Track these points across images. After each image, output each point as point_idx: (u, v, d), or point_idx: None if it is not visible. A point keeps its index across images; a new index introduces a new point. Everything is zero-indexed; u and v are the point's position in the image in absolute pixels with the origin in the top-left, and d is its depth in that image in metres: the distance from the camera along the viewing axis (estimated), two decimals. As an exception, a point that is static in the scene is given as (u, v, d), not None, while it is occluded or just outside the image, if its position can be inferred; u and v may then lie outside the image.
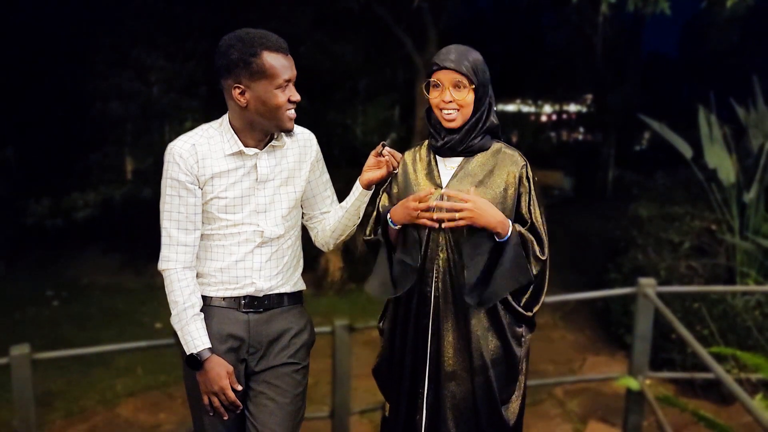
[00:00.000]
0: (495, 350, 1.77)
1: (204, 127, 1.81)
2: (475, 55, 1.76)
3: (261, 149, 1.79)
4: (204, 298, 1.80)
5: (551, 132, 17.88)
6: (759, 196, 5.35)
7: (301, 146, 1.88)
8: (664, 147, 6.76)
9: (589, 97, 16.43)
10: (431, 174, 1.81)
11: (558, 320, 6.26)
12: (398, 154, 1.88)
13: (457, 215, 1.66)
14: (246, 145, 1.77)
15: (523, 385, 1.85)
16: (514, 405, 1.82)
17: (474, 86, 1.73)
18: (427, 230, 1.76)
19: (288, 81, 1.71)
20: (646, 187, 7.05)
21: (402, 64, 9.74)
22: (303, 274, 1.97)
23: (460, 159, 1.80)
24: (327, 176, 1.98)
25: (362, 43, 9.08)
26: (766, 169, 5.32)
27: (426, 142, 1.90)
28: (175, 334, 1.79)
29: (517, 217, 1.78)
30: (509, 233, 1.69)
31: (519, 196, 1.77)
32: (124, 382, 4.96)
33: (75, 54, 8.51)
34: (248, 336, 1.81)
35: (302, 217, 1.97)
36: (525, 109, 17.84)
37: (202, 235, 1.80)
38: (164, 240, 1.78)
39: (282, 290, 1.87)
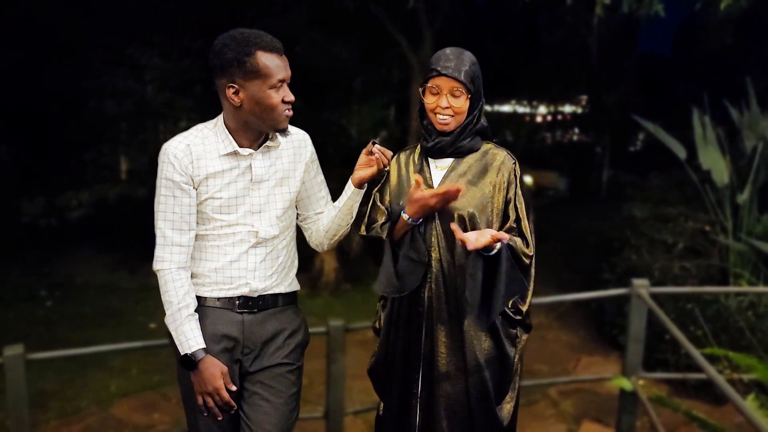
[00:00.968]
0: (489, 351, 1.78)
1: (199, 127, 1.81)
2: (471, 59, 1.77)
3: (256, 149, 1.79)
4: (198, 298, 1.80)
5: (546, 132, 17.92)
6: (752, 198, 5.37)
7: (296, 147, 1.88)
8: (658, 148, 6.78)
9: (584, 97, 16.48)
10: (422, 175, 1.83)
11: (552, 321, 6.27)
12: (389, 152, 1.88)
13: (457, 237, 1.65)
14: (241, 146, 1.77)
15: (517, 385, 1.86)
16: (508, 405, 1.83)
17: (470, 95, 1.75)
18: (423, 231, 1.77)
19: (282, 81, 1.71)
20: (640, 188, 7.08)
21: (397, 64, 9.74)
22: (298, 275, 1.97)
23: (450, 160, 1.82)
24: (322, 177, 1.98)
25: (357, 42, 9.07)
26: (760, 171, 5.35)
27: (418, 145, 1.91)
28: (169, 335, 1.79)
29: (505, 216, 1.79)
30: (498, 248, 1.66)
31: (507, 193, 1.78)
32: (118, 383, 4.95)
33: (69, 52, 8.47)
34: (243, 336, 1.81)
35: (297, 218, 1.97)
36: (520, 109, 17.88)
37: (196, 235, 1.80)
38: (159, 240, 1.77)
39: (276, 291, 1.87)
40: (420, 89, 1.80)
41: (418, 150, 1.90)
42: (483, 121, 1.83)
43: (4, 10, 7.97)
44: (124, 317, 6.51)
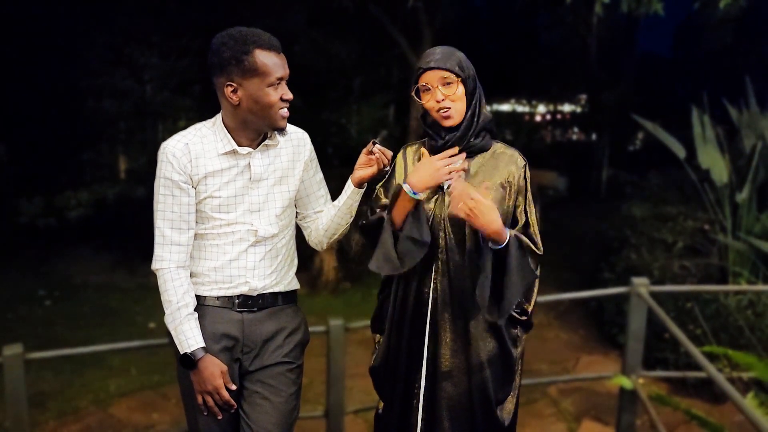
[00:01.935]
0: (492, 351, 1.77)
1: (197, 126, 1.80)
2: (458, 53, 1.76)
3: (254, 148, 1.79)
4: (198, 297, 1.80)
5: (545, 132, 17.92)
6: (751, 197, 5.37)
7: (295, 145, 1.88)
8: (657, 147, 6.79)
9: (584, 97, 16.48)
10: None
11: (552, 320, 6.27)
12: (389, 152, 1.87)
13: (461, 205, 1.61)
14: (239, 144, 1.76)
15: (517, 385, 1.86)
16: (509, 405, 1.83)
17: (461, 79, 1.73)
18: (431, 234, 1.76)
19: (280, 79, 1.70)
20: (639, 187, 7.09)
21: (397, 64, 9.75)
22: (297, 274, 1.97)
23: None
24: (321, 176, 1.98)
25: (357, 42, 9.07)
26: (759, 170, 5.35)
27: (425, 140, 1.89)
28: (168, 334, 1.78)
29: (514, 219, 1.78)
30: (507, 240, 1.66)
31: (518, 195, 1.77)
32: (117, 382, 4.94)
33: (68, 51, 8.47)
34: (242, 335, 1.81)
35: (296, 217, 1.97)
36: (519, 108, 17.88)
37: (195, 234, 1.79)
38: (158, 239, 1.77)
39: (276, 289, 1.86)
40: (413, 93, 1.78)
41: (425, 145, 1.87)
42: (486, 111, 1.80)
43: (3, 10, 7.96)
44: (123, 317, 6.50)
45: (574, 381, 4.79)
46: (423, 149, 1.71)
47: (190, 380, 1.76)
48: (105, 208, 8.18)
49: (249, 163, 1.78)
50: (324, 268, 7.42)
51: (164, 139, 1.79)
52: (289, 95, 1.73)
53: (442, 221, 1.76)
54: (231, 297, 1.81)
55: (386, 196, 1.88)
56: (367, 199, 1.93)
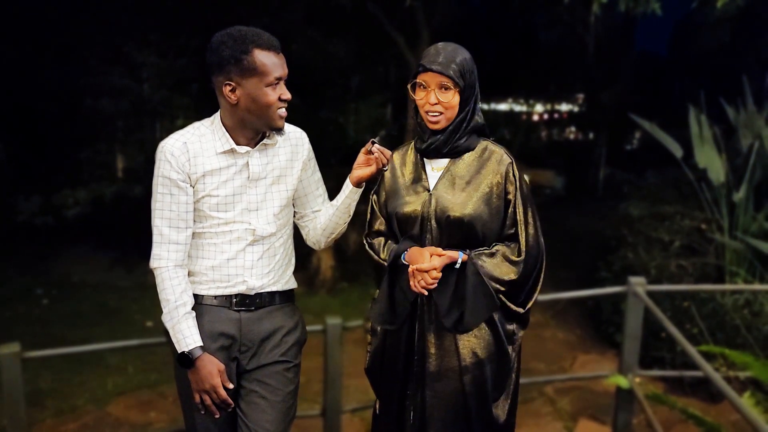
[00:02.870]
0: (487, 348, 1.77)
1: (196, 125, 1.81)
2: (463, 55, 1.73)
3: (253, 147, 1.79)
4: (195, 296, 1.80)
5: (543, 131, 17.92)
6: (748, 196, 5.39)
7: (293, 145, 1.88)
8: (654, 146, 6.80)
9: (581, 96, 16.48)
10: (419, 177, 1.81)
11: (549, 319, 6.28)
12: (388, 152, 1.87)
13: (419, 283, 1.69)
14: (237, 143, 1.76)
15: (514, 383, 1.85)
16: (505, 403, 1.83)
17: (460, 88, 1.71)
18: (418, 233, 1.77)
19: (279, 79, 1.70)
20: (636, 186, 7.10)
21: (394, 62, 9.74)
22: (295, 273, 1.97)
23: (446, 160, 1.79)
24: (319, 175, 1.98)
25: (354, 41, 9.07)
26: (756, 169, 5.37)
27: (412, 143, 1.89)
28: (166, 333, 1.78)
29: (504, 219, 1.77)
30: (459, 261, 1.70)
31: (505, 195, 1.76)
32: (114, 381, 4.94)
33: (66, 50, 8.45)
34: (240, 334, 1.81)
35: (294, 216, 1.97)
36: (517, 107, 17.87)
37: (193, 233, 1.79)
38: (155, 238, 1.77)
39: (273, 288, 1.86)
40: (409, 86, 1.77)
41: (411, 149, 1.88)
42: (479, 118, 1.79)
43: (1, 9, 7.94)
44: (121, 315, 6.50)
45: (571, 380, 4.80)
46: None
47: (187, 379, 1.76)
48: (103, 206, 8.17)
49: (247, 162, 1.78)
50: (321, 268, 7.42)
51: (162, 137, 1.79)
52: (288, 95, 1.73)
53: (429, 223, 1.76)
54: (228, 296, 1.81)
55: (378, 203, 1.89)
56: (366, 199, 1.94)
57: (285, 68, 1.72)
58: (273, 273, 1.86)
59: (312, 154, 1.95)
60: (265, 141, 1.80)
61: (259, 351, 1.84)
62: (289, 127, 1.86)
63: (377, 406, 1.95)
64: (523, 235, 1.75)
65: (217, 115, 1.79)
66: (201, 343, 1.74)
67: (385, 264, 1.80)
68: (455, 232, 1.73)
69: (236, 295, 1.81)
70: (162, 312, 1.77)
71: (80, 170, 8.63)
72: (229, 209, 1.78)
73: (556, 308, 6.44)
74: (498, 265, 1.73)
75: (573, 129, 17.56)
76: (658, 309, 3.31)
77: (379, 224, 1.89)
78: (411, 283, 1.70)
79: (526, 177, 1.82)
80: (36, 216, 7.86)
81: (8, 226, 8.22)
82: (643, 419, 3.81)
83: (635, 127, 13.08)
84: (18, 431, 2.78)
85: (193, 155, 1.73)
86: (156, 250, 1.77)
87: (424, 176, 1.80)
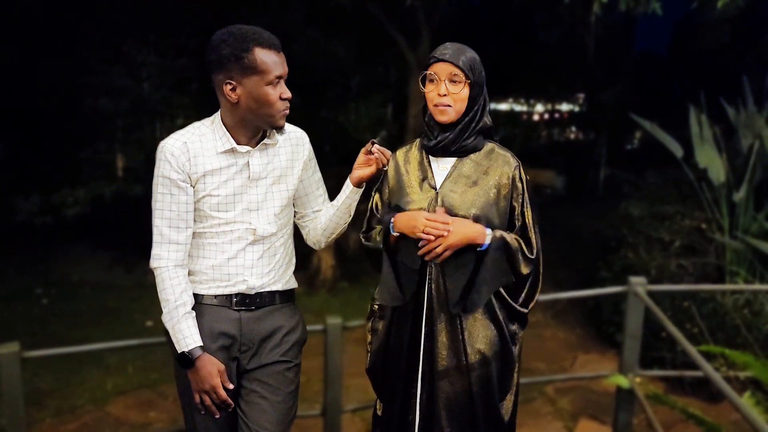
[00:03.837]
0: (492, 347, 1.77)
1: (196, 124, 1.80)
2: (472, 53, 1.77)
3: (253, 147, 1.78)
4: (195, 296, 1.79)
5: (543, 130, 17.92)
6: (748, 196, 5.39)
7: (294, 145, 1.88)
8: (655, 146, 6.80)
9: (581, 96, 16.48)
10: (425, 175, 1.81)
11: (549, 318, 6.28)
12: (388, 152, 1.87)
13: (439, 249, 1.68)
14: (238, 143, 1.76)
15: (516, 381, 1.86)
16: (508, 402, 1.83)
17: (469, 82, 1.73)
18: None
19: (279, 78, 1.70)
20: (637, 186, 7.09)
21: (395, 62, 9.72)
22: (295, 273, 1.97)
23: (453, 160, 1.80)
24: (319, 175, 1.98)
25: (355, 40, 9.06)
26: (756, 169, 5.37)
27: (417, 141, 1.89)
28: (166, 332, 1.78)
29: (511, 218, 1.78)
30: (488, 242, 1.71)
31: (512, 197, 1.77)
32: (114, 381, 4.94)
33: (65, 49, 8.44)
34: (240, 334, 1.81)
35: (294, 216, 1.97)
36: (517, 107, 17.87)
37: (194, 233, 1.79)
38: (156, 238, 1.77)
39: (274, 288, 1.86)
40: (420, 80, 1.79)
41: (415, 147, 1.88)
42: (487, 119, 1.81)
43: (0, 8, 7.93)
44: (121, 315, 6.50)
45: (571, 380, 4.80)
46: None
47: (187, 379, 1.75)
48: (102, 206, 8.16)
49: (248, 162, 1.78)
50: (322, 267, 7.43)
51: (162, 137, 1.79)
52: (288, 94, 1.73)
53: None
54: (229, 295, 1.81)
55: (381, 201, 1.90)
56: (366, 198, 1.93)
57: (285, 67, 1.72)
58: (273, 272, 1.86)
59: (312, 154, 1.95)
60: (265, 141, 1.80)
61: (260, 351, 1.83)
62: (289, 127, 1.86)
63: (378, 406, 1.94)
64: (533, 236, 1.77)
65: (218, 114, 1.79)
66: (201, 343, 1.73)
67: (380, 246, 1.81)
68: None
69: (236, 295, 1.81)
70: (162, 312, 1.76)
71: (80, 170, 8.61)
72: (230, 209, 1.77)
73: (556, 308, 6.44)
74: (518, 251, 1.75)
75: (573, 129, 17.55)
76: (659, 309, 3.31)
77: (377, 223, 1.89)
78: (420, 242, 1.69)
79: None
80: (35, 215, 7.84)
81: (7, 226, 8.21)
82: (644, 419, 3.81)
83: (635, 127, 13.08)
84: (17, 431, 2.78)
85: (193, 155, 1.73)
86: (156, 250, 1.77)
87: (430, 174, 1.80)
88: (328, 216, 1.92)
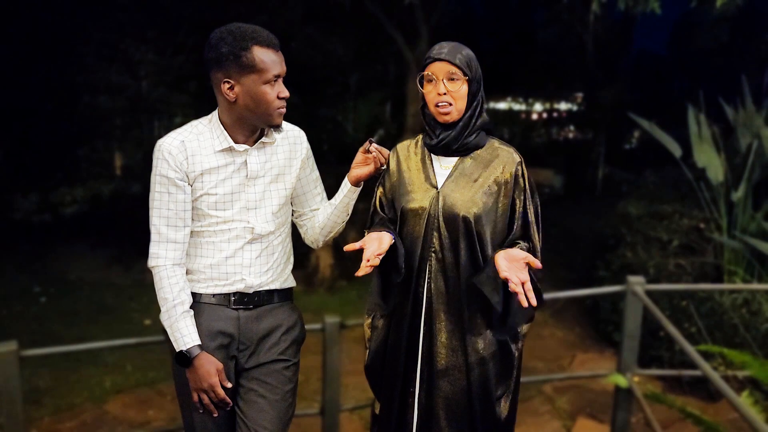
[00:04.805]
0: (491, 346, 1.77)
1: (194, 123, 1.80)
2: (468, 51, 1.77)
3: (251, 145, 1.78)
4: (193, 295, 1.79)
5: (542, 129, 17.92)
6: (747, 195, 5.39)
7: (291, 143, 1.87)
8: (653, 145, 6.81)
9: (580, 95, 16.48)
10: (427, 174, 1.80)
11: (547, 317, 6.28)
12: (386, 151, 1.87)
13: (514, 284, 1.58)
14: (236, 142, 1.76)
15: (515, 380, 1.85)
16: (507, 400, 1.83)
17: (468, 79, 1.73)
18: (423, 230, 1.76)
19: (277, 76, 1.70)
20: (635, 185, 7.10)
21: (393, 61, 9.73)
22: (293, 271, 1.97)
23: (455, 159, 1.79)
24: (317, 173, 1.98)
25: (353, 39, 9.06)
26: (754, 168, 5.37)
27: (420, 137, 1.89)
28: (164, 331, 1.78)
29: (512, 219, 1.78)
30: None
31: (513, 194, 1.77)
32: (112, 379, 4.93)
33: (63, 47, 8.43)
34: (238, 333, 1.81)
35: (292, 215, 1.97)
36: (516, 106, 17.87)
37: (191, 231, 1.79)
38: (153, 237, 1.76)
39: (272, 287, 1.86)
40: (418, 81, 1.78)
41: (418, 143, 1.87)
42: (485, 115, 1.81)
43: (-2, 6, 7.91)
44: (119, 313, 6.49)
45: (570, 379, 4.81)
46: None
47: (185, 378, 1.75)
48: (100, 204, 8.16)
49: (245, 161, 1.77)
50: (320, 266, 7.42)
51: (160, 135, 1.78)
52: (286, 93, 1.72)
53: (436, 220, 1.75)
54: (227, 294, 1.80)
55: (384, 196, 1.89)
56: (364, 197, 1.93)
57: (284, 66, 1.72)
58: (271, 271, 1.85)
59: (310, 153, 1.94)
60: (263, 139, 1.80)
61: (258, 349, 1.83)
62: (287, 126, 1.86)
63: (376, 406, 1.94)
64: (535, 235, 1.77)
65: (215, 113, 1.79)
66: (199, 342, 1.73)
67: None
68: (462, 229, 1.73)
69: (234, 294, 1.80)
70: (160, 310, 1.76)
71: (78, 168, 8.61)
72: (228, 207, 1.77)
73: (554, 307, 6.44)
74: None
75: (572, 128, 17.55)
76: (657, 308, 3.31)
77: (380, 220, 1.88)
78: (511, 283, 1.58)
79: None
80: (33, 214, 7.84)
81: (5, 224, 8.21)
82: (642, 418, 3.82)
83: (634, 126, 13.09)
84: (16, 430, 2.77)
85: (191, 153, 1.73)
86: (154, 249, 1.76)
87: (432, 173, 1.80)
88: (326, 215, 1.92)
